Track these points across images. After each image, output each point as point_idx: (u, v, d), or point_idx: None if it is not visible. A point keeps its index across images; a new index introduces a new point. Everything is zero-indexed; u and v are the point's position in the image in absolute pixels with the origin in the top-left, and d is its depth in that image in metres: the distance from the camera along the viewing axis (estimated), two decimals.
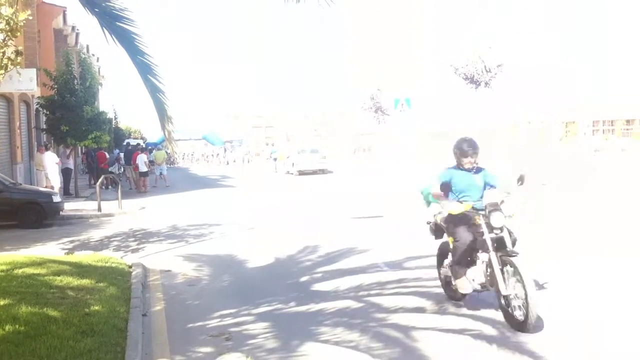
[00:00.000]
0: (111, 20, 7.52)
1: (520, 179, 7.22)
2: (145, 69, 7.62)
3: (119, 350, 6.02)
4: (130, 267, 10.12)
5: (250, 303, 8.03)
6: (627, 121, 54.07)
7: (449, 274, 7.51)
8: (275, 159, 41.75)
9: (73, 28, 32.28)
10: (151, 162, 30.36)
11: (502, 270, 6.71)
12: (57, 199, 16.67)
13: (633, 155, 27.04)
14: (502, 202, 7.01)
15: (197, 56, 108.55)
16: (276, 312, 7.68)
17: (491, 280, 6.88)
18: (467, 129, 46.09)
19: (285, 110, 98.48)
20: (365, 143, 53.67)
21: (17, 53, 10.85)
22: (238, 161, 53.30)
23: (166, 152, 35.39)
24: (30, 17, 11.30)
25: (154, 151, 32.57)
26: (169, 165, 40.72)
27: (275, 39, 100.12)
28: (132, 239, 13.80)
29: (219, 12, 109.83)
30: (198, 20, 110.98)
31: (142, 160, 26.83)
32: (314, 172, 34.86)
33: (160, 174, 30.37)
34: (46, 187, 19.67)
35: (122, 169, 31.88)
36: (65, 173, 23.01)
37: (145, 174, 27.13)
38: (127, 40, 7.56)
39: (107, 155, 28.26)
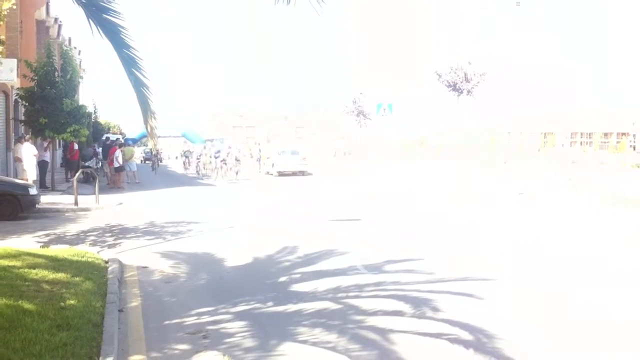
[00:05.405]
0: (98, 12, 7.48)
1: None
2: (130, 63, 7.58)
3: (95, 345, 5.97)
4: (106, 262, 10.02)
5: (228, 302, 7.99)
6: (605, 134, 54.84)
7: None
8: (258, 159, 41.53)
9: (56, 20, 31.91)
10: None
11: None
12: (33, 191, 16.44)
13: (610, 168, 27.44)
14: None
15: (179, 53, 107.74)
16: (254, 311, 7.66)
17: None
18: (445, 138, 46.57)
19: (267, 112, 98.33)
20: (345, 146, 53.69)
21: None
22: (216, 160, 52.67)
23: (150, 150, 34.78)
24: (14, 7, 11.15)
25: (123, 147, 31.84)
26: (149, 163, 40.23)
27: (259, 40, 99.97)
28: (109, 234, 13.66)
29: (204, 11, 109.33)
30: (181, 17, 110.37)
31: (117, 155, 26.63)
32: (294, 174, 34.79)
33: (129, 169, 29.90)
34: (22, 179, 19.40)
35: (100, 164, 31.52)
36: (42, 166, 22.71)
37: (120, 169, 26.94)
38: (113, 33, 7.52)
39: (76, 147, 27.45)
